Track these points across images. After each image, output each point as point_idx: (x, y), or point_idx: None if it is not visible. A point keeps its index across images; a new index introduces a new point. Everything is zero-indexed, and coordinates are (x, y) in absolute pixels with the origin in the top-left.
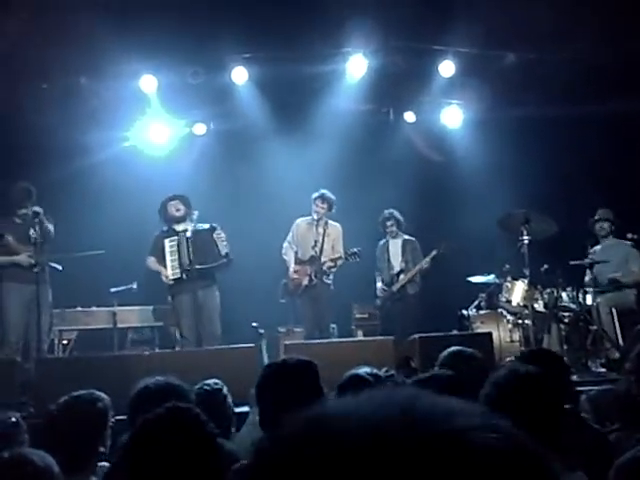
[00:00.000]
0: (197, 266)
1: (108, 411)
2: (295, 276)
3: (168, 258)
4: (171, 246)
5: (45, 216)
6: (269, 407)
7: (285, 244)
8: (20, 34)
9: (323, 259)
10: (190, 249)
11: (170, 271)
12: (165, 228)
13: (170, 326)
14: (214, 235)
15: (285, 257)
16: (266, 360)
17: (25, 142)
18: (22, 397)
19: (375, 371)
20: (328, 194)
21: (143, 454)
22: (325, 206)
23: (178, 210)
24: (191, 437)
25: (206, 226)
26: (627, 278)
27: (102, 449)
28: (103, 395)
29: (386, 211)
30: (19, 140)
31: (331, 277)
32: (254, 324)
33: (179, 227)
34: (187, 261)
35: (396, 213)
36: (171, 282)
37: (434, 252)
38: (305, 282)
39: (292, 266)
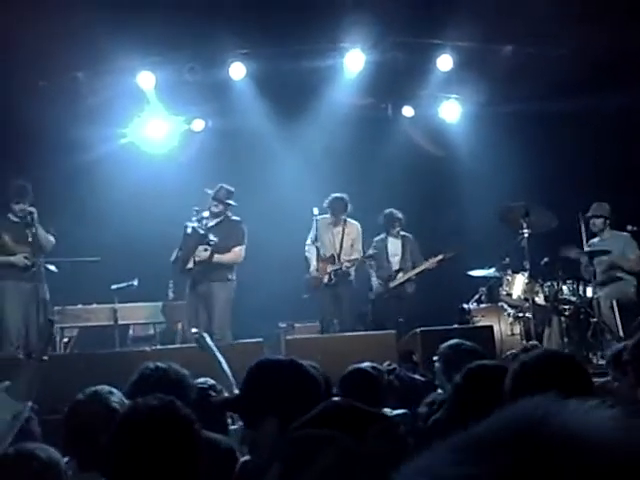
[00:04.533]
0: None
1: None
2: (316, 274)
3: None
4: None
5: (46, 228)
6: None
7: (309, 242)
8: (17, 30)
9: (343, 257)
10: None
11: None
12: None
13: (173, 322)
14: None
15: (307, 254)
16: (222, 360)
17: (22, 139)
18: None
19: (377, 365)
20: (346, 198)
21: (126, 444)
22: (348, 210)
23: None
24: (171, 428)
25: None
26: (624, 263)
27: None
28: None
29: (394, 211)
30: (16, 137)
31: (352, 274)
32: (194, 330)
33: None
34: None
35: (400, 215)
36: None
37: (440, 256)
38: (325, 280)
39: (314, 263)
